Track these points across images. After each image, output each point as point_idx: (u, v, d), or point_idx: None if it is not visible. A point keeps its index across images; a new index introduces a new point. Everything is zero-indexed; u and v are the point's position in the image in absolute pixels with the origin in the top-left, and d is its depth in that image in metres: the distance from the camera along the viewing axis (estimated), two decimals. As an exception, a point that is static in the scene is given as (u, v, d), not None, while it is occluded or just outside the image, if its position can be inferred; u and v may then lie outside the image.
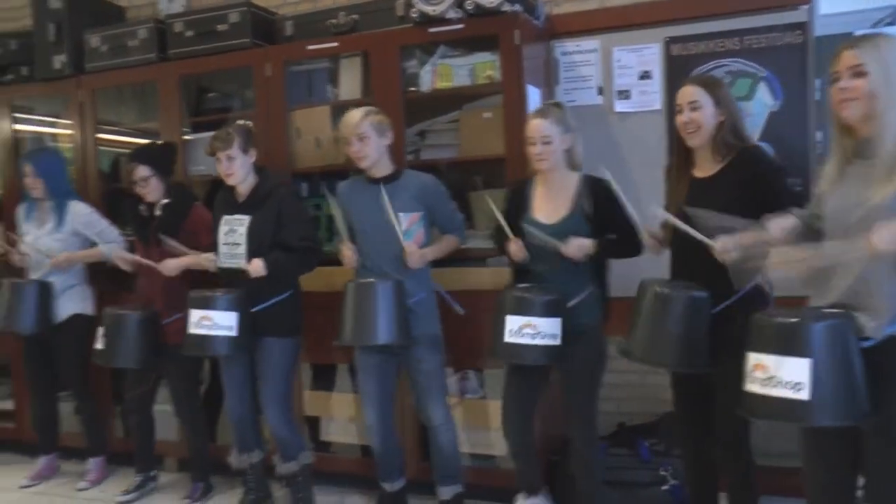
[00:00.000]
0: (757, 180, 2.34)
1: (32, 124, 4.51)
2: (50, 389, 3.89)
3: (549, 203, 2.76)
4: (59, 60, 4.04)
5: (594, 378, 2.79)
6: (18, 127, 4.34)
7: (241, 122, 3.21)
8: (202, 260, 3.17)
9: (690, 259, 2.39)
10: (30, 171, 3.62)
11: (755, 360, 1.90)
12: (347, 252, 2.94)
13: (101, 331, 3.32)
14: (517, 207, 2.82)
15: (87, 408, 3.83)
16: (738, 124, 2.43)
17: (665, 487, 3.04)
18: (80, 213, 3.67)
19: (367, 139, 2.86)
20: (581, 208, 2.70)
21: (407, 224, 2.88)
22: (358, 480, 3.49)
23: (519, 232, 2.76)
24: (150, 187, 3.37)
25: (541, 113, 2.75)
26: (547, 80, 3.45)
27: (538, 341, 2.58)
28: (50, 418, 3.95)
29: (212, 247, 3.22)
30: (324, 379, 3.66)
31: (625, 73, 3.39)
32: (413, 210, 2.90)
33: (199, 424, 3.54)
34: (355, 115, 2.89)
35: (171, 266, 3.25)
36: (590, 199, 2.70)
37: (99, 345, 3.32)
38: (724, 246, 2.20)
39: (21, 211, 3.81)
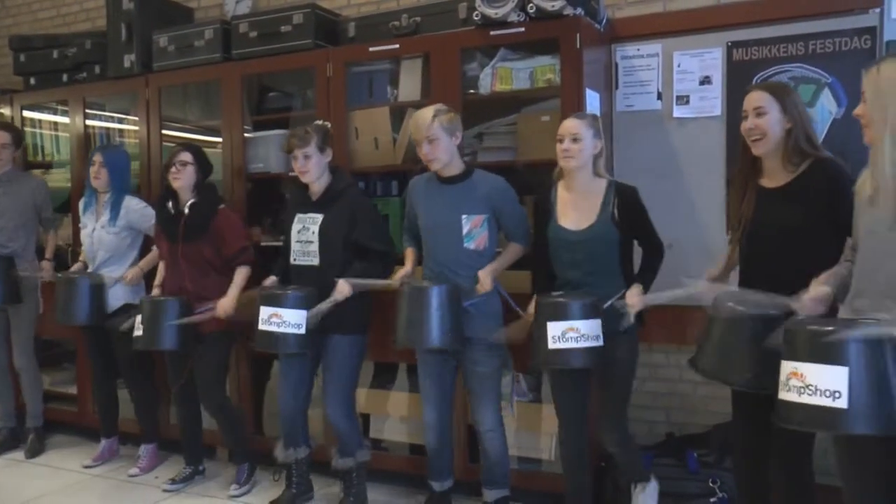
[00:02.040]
0: (831, 196, 2.28)
1: (103, 120, 4.68)
2: (109, 376, 4.02)
3: (576, 210, 2.76)
4: (128, 59, 4.19)
5: (628, 380, 2.80)
6: (90, 123, 4.51)
7: (319, 122, 3.26)
8: (267, 280, 3.25)
9: (762, 270, 2.37)
10: (98, 160, 3.77)
11: (791, 368, 1.88)
12: (405, 269, 2.98)
13: (138, 318, 3.43)
14: (543, 216, 2.83)
15: (141, 395, 3.95)
16: (810, 131, 2.38)
17: (713, 500, 2.98)
18: (134, 208, 3.79)
19: (438, 141, 2.86)
20: (610, 215, 2.71)
21: (470, 226, 2.88)
22: (405, 478, 3.52)
23: (544, 239, 2.80)
24: (185, 174, 3.44)
25: (577, 115, 2.79)
26: (606, 84, 3.44)
27: (583, 344, 2.58)
28: (110, 403, 4.09)
29: (237, 253, 3.39)
30: (384, 377, 3.71)
31: (685, 78, 3.36)
32: (479, 212, 2.89)
33: (228, 414, 3.59)
34: (425, 116, 2.88)
35: (226, 306, 3.34)
36: (618, 205, 2.72)
37: (138, 331, 3.42)
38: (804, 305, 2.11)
39: (80, 203, 3.96)
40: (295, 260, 3.20)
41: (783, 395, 1.89)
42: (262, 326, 3.06)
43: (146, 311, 3.41)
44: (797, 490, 2.42)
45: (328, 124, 3.28)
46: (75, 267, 3.94)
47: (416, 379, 3.52)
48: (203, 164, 3.51)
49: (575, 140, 2.69)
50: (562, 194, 2.81)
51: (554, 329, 2.58)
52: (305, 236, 3.16)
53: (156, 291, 3.63)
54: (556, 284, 2.80)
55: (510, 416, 3.13)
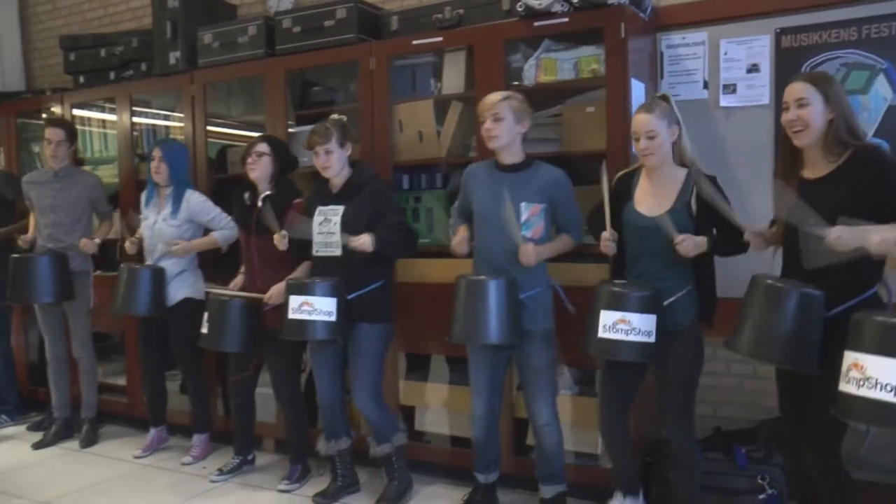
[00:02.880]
0: (876, 182, 2.23)
1: (149, 117, 4.77)
2: (161, 367, 4.10)
3: (653, 197, 2.72)
4: (174, 56, 4.26)
5: (690, 379, 2.73)
6: (137, 120, 4.60)
7: (335, 116, 3.29)
8: (298, 269, 3.29)
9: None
10: (157, 155, 3.83)
11: (853, 358, 1.85)
12: (461, 235, 2.96)
13: (205, 316, 3.47)
14: (620, 198, 2.80)
15: (195, 386, 4.02)
16: (851, 121, 2.33)
17: (762, 496, 2.93)
18: (195, 201, 3.85)
19: (502, 120, 2.85)
20: (686, 204, 2.66)
21: (527, 215, 2.87)
22: (450, 470, 3.53)
23: (618, 224, 2.75)
24: (260, 164, 3.47)
25: (646, 107, 2.71)
26: (652, 73, 3.40)
27: (632, 338, 2.55)
28: (159, 393, 4.17)
29: (307, 247, 3.33)
30: (418, 369, 3.72)
31: (732, 67, 3.31)
32: (536, 201, 2.88)
33: (298, 408, 3.63)
34: (497, 94, 2.88)
35: (275, 294, 3.37)
36: (695, 196, 2.65)
37: (204, 329, 3.47)
38: (840, 235, 2.10)
39: (143, 197, 4.04)
40: (317, 252, 3.23)
41: (843, 386, 1.87)
42: (291, 315, 3.09)
43: (212, 310, 3.45)
44: (830, 478, 2.37)
45: (345, 119, 3.30)
46: (129, 242, 3.98)
47: (455, 370, 3.56)
48: (281, 155, 3.54)
49: (650, 137, 2.64)
50: (643, 180, 2.78)
51: (606, 318, 2.56)
52: (327, 228, 3.19)
53: (238, 279, 3.68)
54: (624, 274, 2.77)
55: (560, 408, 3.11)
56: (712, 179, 2.68)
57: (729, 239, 2.60)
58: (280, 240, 3.25)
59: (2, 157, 5.27)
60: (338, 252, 3.15)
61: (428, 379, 3.68)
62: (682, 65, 3.41)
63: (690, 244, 2.56)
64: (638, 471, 2.97)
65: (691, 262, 2.66)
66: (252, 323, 3.45)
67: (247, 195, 3.56)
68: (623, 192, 2.80)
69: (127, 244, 3.97)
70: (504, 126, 2.85)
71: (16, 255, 4.21)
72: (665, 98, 2.75)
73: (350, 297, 3.11)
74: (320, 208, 3.23)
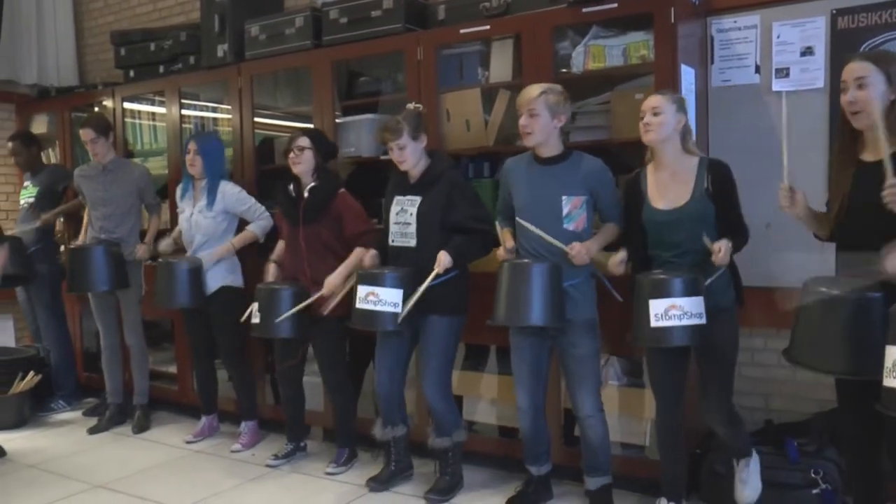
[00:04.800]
0: None
1: (197, 110, 4.85)
2: (209, 355, 4.18)
3: (668, 190, 2.71)
4: (221, 49, 4.32)
5: (733, 356, 2.74)
6: (185, 112, 4.68)
7: (411, 106, 3.27)
8: (367, 259, 3.30)
9: (861, 249, 2.25)
10: (193, 148, 3.89)
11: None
12: (507, 245, 2.95)
13: (255, 306, 3.51)
14: (634, 199, 2.79)
15: (240, 374, 4.09)
16: None
17: (815, 491, 2.86)
18: (230, 192, 3.90)
19: (538, 117, 2.84)
20: (704, 190, 2.66)
21: (569, 208, 2.86)
22: (500, 461, 3.53)
23: (638, 224, 2.77)
24: (303, 158, 3.50)
25: (658, 92, 2.75)
26: (701, 59, 3.35)
27: (686, 322, 2.53)
28: (209, 382, 4.25)
29: (357, 237, 3.41)
30: (475, 359, 3.73)
31: (785, 50, 3.24)
32: (577, 194, 2.87)
33: (346, 394, 3.67)
34: (533, 89, 2.87)
35: (333, 283, 3.41)
36: (711, 181, 2.66)
37: (255, 319, 3.50)
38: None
39: (178, 189, 4.11)
40: (393, 241, 3.24)
41: (888, 381, 1.82)
42: (358, 305, 3.11)
43: (262, 299, 3.49)
44: None
45: (420, 108, 3.28)
46: (164, 243, 4.08)
47: (506, 361, 3.55)
48: (322, 147, 3.56)
49: (655, 114, 2.66)
50: (651, 176, 2.77)
51: (656, 306, 2.54)
52: (403, 218, 3.20)
53: (271, 267, 3.72)
54: (653, 265, 2.75)
55: (607, 399, 3.09)
56: (723, 165, 2.71)
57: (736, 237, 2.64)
58: (373, 260, 3.29)
59: (57, 150, 5.42)
60: (412, 243, 3.16)
61: (480, 369, 3.68)
62: (733, 49, 3.35)
63: (726, 252, 2.55)
64: (686, 476, 2.93)
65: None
66: (303, 309, 3.47)
67: (291, 187, 3.60)
68: (634, 193, 2.80)
69: (163, 247, 4.08)
70: (540, 122, 2.85)
71: (73, 246, 4.34)
72: (681, 98, 2.79)
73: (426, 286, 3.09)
74: (397, 198, 3.25)
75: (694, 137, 2.79)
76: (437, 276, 3.04)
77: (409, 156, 3.17)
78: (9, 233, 4.54)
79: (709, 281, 2.59)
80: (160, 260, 3.98)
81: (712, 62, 3.40)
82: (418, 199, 3.18)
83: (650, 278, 2.61)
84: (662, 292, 2.55)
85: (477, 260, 3.19)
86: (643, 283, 2.61)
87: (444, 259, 3.04)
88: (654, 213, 2.72)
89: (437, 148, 3.53)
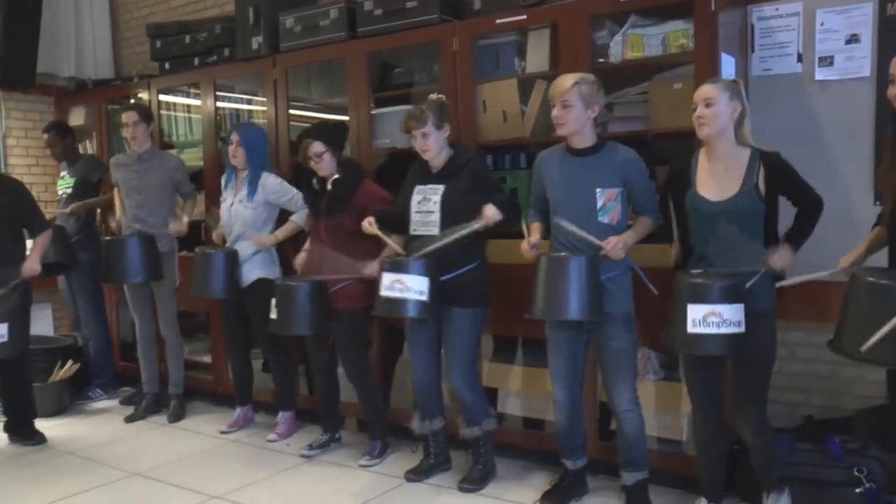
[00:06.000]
0: None
1: (232, 101, 4.88)
2: (245, 346, 4.20)
3: (717, 180, 2.62)
4: (256, 41, 4.33)
5: (768, 366, 2.65)
6: (220, 104, 4.71)
7: (434, 96, 3.26)
8: (365, 223, 3.27)
9: None
10: (235, 139, 3.91)
11: None
12: (533, 239, 2.92)
13: (273, 302, 3.52)
14: (680, 185, 2.72)
15: (277, 365, 4.11)
16: None
17: (859, 490, 2.79)
18: (271, 183, 3.91)
19: (571, 108, 2.79)
20: (754, 185, 2.56)
21: (603, 201, 2.82)
22: (534, 454, 3.52)
23: (682, 209, 2.70)
24: (324, 163, 3.51)
25: (710, 80, 2.66)
26: (742, 48, 3.29)
27: (724, 330, 2.44)
28: (245, 372, 4.28)
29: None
30: (504, 351, 3.71)
31: (829, 38, 3.17)
32: (613, 186, 2.82)
33: (369, 386, 3.67)
34: (566, 80, 2.82)
35: (371, 269, 3.38)
36: (764, 176, 2.56)
37: (273, 315, 3.51)
38: None
39: (222, 179, 4.13)
40: (415, 230, 3.23)
41: None
42: (383, 293, 3.08)
43: (279, 295, 3.49)
44: None
45: (443, 98, 3.28)
46: (216, 234, 4.11)
47: (533, 353, 3.53)
48: (335, 143, 3.55)
49: (708, 105, 2.56)
50: (702, 163, 2.69)
51: (694, 312, 2.46)
52: (426, 207, 3.19)
53: (302, 255, 3.73)
54: (691, 259, 2.70)
55: (644, 393, 3.06)
56: (775, 155, 2.62)
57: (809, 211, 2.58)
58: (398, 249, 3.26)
59: (93, 141, 5.49)
60: (435, 231, 3.15)
61: (513, 361, 3.66)
62: (775, 37, 3.28)
63: (787, 259, 2.49)
64: (725, 476, 2.89)
65: (763, 246, 2.59)
66: (320, 305, 3.48)
67: (315, 180, 3.61)
68: (682, 177, 2.72)
69: (214, 237, 4.10)
70: (573, 113, 2.80)
71: (107, 238, 4.39)
72: (735, 81, 2.68)
73: (445, 278, 3.10)
74: (419, 187, 3.24)
75: (749, 127, 2.64)
76: (463, 259, 3.02)
77: (433, 144, 3.16)
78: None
79: (749, 283, 2.51)
80: (197, 249, 4.01)
81: (752, 51, 3.33)
82: (441, 187, 3.17)
83: (690, 281, 2.53)
84: (702, 297, 2.47)
85: (511, 226, 3.12)
86: (682, 283, 2.53)
87: (490, 212, 3.00)
88: (698, 202, 2.64)
89: (473, 139, 3.53)
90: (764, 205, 2.57)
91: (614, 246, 2.74)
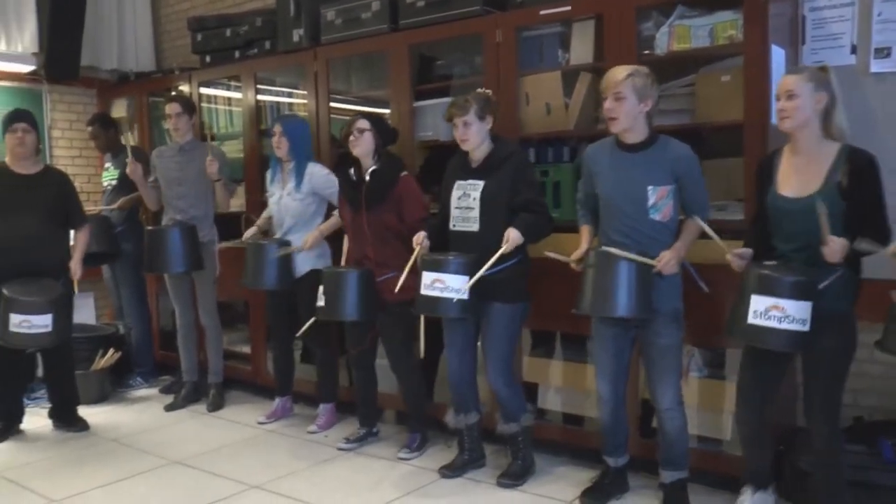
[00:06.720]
0: None
1: (273, 94, 4.90)
2: (288, 337, 4.21)
3: (799, 176, 2.51)
4: (297, 34, 4.34)
5: (841, 371, 2.54)
6: (261, 97, 4.73)
7: (480, 90, 3.24)
8: (416, 239, 3.24)
9: None
10: (278, 130, 3.92)
11: None
12: (583, 244, 2.90)
13: (321, 289, 3.52)
14: (763, 182, 2.63)
15: (322, 357, 4.11)
16: None
17: None
18: (318, 174, 3.91)
19: (623, 101, 2.73)
20: (837, 183, 2.43)
21: (654, 199, 2.75)
22: (573, 450, 3.49)
23: (762, 209, 2.61)
24: (362, 140, 3.50)
25: (794, 70, 2.54)
26: (792, 39, 3.22)
27: (785, 326, 2.37)
28: (287, 363, 4.30)
29: (418, 222, 3.36)
30: (543, 346, 3.68)
31: (887, 28, 3.08)
32: (665, 183, 2.75)
33: (414, 378, 3.67)
34: (619, 72, 2.76)
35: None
36: (848, 173, 2.42)
37: (320, 302, 3.52)
38: None
39: (268, 174, 4.15)
40: (454, 226, 3.22)
41: None
42: (423, 291, 3.08)
43: (327, 282, 3.51)
44: None
45: (489, 93, 3.25)
46: (249, 232, 4.12)
47: (573, 348, 3.50)
48: (383, 131, 3.56)
49: (790, 97, 2.45)
50: (786, 159, 2.58)
51: (757, 303, 2.40)
52: (466, 202, 3.17)
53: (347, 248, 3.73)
54: (773, 258, 2.60)
55: (688, 391, 3.01)
56: (871, 160, 2.46)
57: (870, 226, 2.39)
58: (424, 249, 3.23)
59: (135, 133, 5.56)
60: (475, 227, 3.13)
61: (553, 356, 3.63)
62: (827, 28, 3.20)
63: (838, 248, 2.33)
64: (771, 463, 2.83)
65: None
66: (368, 293, 3.48)
67: (351, 171, 3.60)
68: (765, 175, 2.63)
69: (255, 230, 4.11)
70: (625, 106, 2.73)
71: (150, 228, 4.45)
72: (822, 68, 2.54)
73: (484, 274, 3.05)
74: (459, 182, 3.22)
75: (841, 119, 2.51)
76: (503, 255, 3.00)
77: (474, 134, 3.13)
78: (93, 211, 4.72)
79: (824, 283, 2.41)
80: (250, 241, 4.02)
81: (804, 42, 3.25)
82: (481, 183, 3.14)
83: (758, 272, 2.46)
84: (768, 289, 2.40)
85: (541, 240, 3.13)
86: (751, 274, 2.47)
87: (513, 235, 2.99)
88: (778, 200, 2.55)
89: (516, 132, 3.49)
90: (846, 203, 2.43)
91: (667, 263, 2.69)
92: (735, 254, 2.60)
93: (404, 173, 3.55)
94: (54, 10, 4.96)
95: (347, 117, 4.45)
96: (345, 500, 3.19)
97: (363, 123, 3.51)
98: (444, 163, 3.42)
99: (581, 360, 3.49)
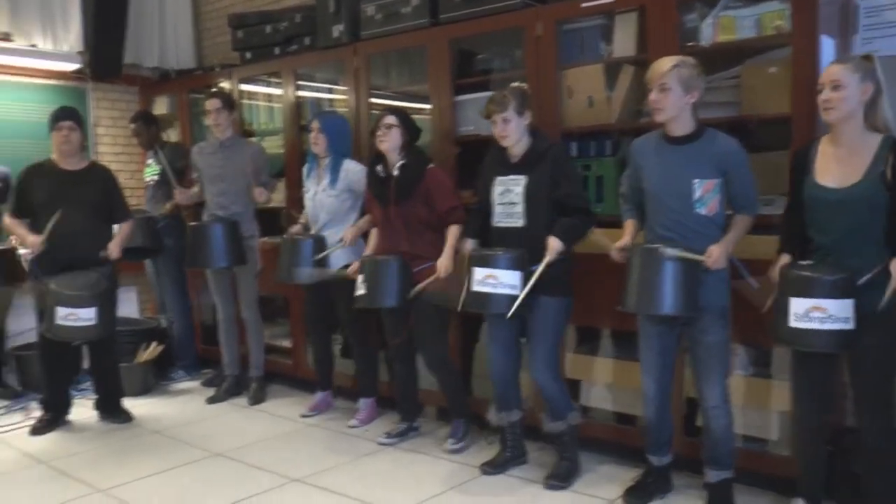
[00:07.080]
0: None
1: (312, 90, 4.92)
2: (328, 332, 4.24)
3: (841, 166, 2.45)
4: (337, 30, 4.35)
5: (889, 367, 2.47)
6: (301, 93, 4.75)
7: (516, 84, 3.22)
8: (466, 246, 3.26)
9: None
10: (316, 126, 3.94)
11: None
12: (625, 236, 2.87)
13: (360, 278, 3.54)
14: (799, 171, 2.57)
15: (361, 351, 4.13)
16: None
17: None
18: (353, 170, 3.93)
19: (669, 92, 2.69)
20: (880, 174, 2.36)
21: (700, 192, 2.70)
22: (616, 448, 3.46)
23: (798, 200, 2.56)
24: (390, 136, 3.52)
25: (839, 59, 2.48)
26: (843, 29, 3.12)
27: (828, 326, 2.33)
28: (326, 358, 4.33)
29: (447, 213, 3.39)
30: (587, 342, 3.65)
31: (946, 16, 2.99)
32: (711, 176, 2.71)
33: (449, 370, 3.65)
34: (665, 63, 2.73)
35: (446, 265, 3.41)
36: (893, 164, 2.35)
37: (360, 290, 3.53)
38: None
39: (304, 169, 4.17)
40: (498, 223, 3.20)
41: None
42: (475, 287, 3.06)
43: (368, 270, 3.52)
44: None
45: (525, 86, 3.23)
46: (295, 228, 4.15)
47: (622, 345, 3.45)
48: (409, 126, 3.58)
49: (836, 88, 2.39)
50: (825, 149, 2.52)
51: (797, 306, 2.36)
52: (508, 198, 3.15)
53: (372, 243, 3.76)
54: (809, 249, 2.56)
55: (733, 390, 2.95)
56: None
57: None
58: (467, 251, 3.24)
59: (177, 129, 5.64)
60: (520, 223, 3.12)
61: (596, 353, 3.59)
62: (882, 16, 3.09)
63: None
64: (825, 478, 2.75)
65: (885, 238, 2.41)
66: (406, 280, 3.49)
67: (379, 167, 3.60)
68: (801, 164, 2.57)
69: (295, 227, 4.13)
70: (671, 98, 2.69)
71: (192, 224, 4.50)
72: (867, 57, 2.48)
73: (534, 268, 3.04)
74: (499, 178, 3.20)
75: (886, 110, 2.44)
76: (549, 263, 2.98)
77: (513, 130, 3.11)
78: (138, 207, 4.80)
79: (864, 279, 2.36)
80: (285, 235, 4.05)
81: (856, 32, 3.16)
82: (523, 178, 3.12)
83: (795, 273, 2.41)
84: (806, 291, 2.35)
85: (581, 240, 3.11)
86: (788, 276, 2.42)
87: (555, 245, 2.98)
88: (817, 190, 2.49)
89: (557, 126, 3.46)
90: (889, 195, 2.37)
91: (716, 260, 2.65)
92: (617, 248, 2.78)
93: (431, 165, 3.56)
94: (99, 10, 5.05)
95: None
96: (386, 494, 3.20)
97: (391, 119, 3.53)
98: (479, 158, 3.40)
99: (631, 357, 3.43)
